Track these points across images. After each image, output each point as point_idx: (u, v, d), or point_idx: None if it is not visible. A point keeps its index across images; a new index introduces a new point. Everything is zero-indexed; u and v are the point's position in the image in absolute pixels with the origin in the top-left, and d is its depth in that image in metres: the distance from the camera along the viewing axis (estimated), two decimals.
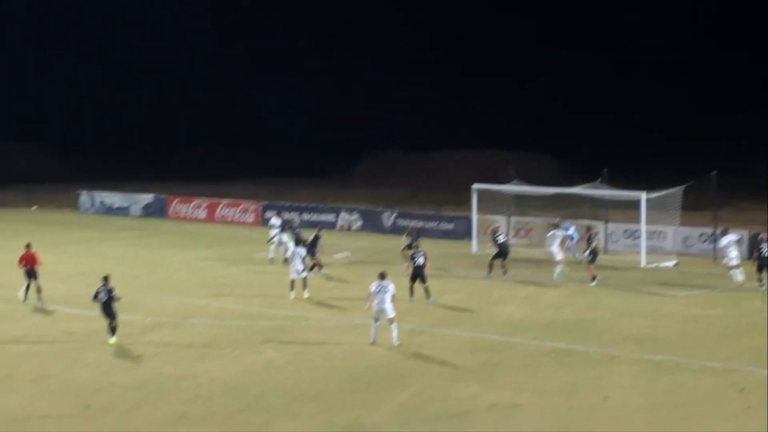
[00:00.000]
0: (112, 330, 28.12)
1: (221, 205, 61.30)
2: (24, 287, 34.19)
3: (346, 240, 51.54)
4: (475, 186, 48.54)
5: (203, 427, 20.53)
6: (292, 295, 34.56)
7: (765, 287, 35.76)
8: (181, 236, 53.69)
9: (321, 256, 40.05)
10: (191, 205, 62.53)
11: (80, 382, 23.92)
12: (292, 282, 34.79)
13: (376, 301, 27.39)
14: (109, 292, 28.14)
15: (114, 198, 66.61)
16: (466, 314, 32.22)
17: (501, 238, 39.54)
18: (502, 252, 39.06)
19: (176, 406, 22.00)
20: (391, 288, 27.58)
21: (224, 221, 60.22)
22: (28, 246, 34.95)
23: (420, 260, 34.06)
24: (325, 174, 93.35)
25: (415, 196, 71.76)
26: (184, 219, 61.72)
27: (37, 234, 50.65)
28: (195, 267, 42.52)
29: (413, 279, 33.87)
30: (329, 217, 56.42)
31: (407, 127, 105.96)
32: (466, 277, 40.04)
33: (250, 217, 59.49)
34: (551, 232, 40.41)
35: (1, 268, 40.33)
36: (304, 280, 34.93)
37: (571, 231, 44.41)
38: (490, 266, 39.10)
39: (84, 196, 67.73)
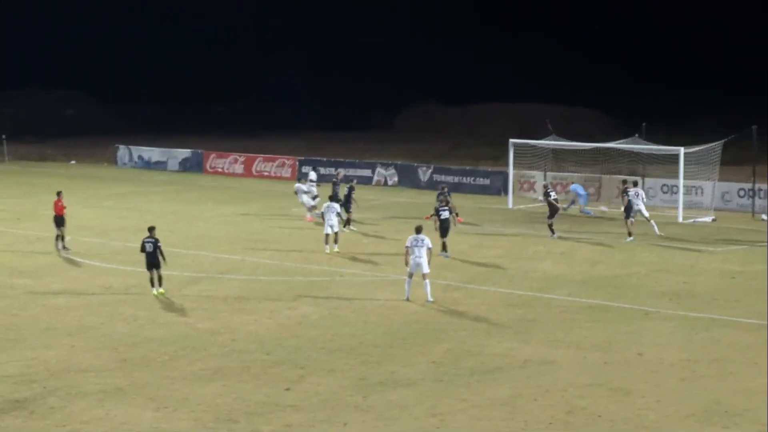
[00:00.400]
0: (159, 280, 28.45)
1: (258, 160, 61.44)
2: (54, 238, 35.05)
3: (383, 195, 51.56)
4: (512, 141, 48.34)
5: (238, 380, 20.69)
6: (327, 249, 34.68)
7: None
8: (218, 191, 53.89)
9: (355, 210, 40.16)
10: (228, 160, 62.73)
11: (117, 336, 24.16)
12: (327, 236, 34.91)
13: (412, 256, 27.40)
14: (155, 242, 28.41)
15: (152, 152, 66.95)
16: (501, 270, 32.18)
17: (553, 195, 38.59)
18: (555, 209, 38.33)
19: (212, 360, 22.19)
20: (427, 242, 27.60)
21: (261, 176, 60.36)
22: (58, 194, 35.87)
23: (445, 214, 34.00)
24: (363, 128, 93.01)
25: (454, 150, 71.50)
26: (221, 174, 61.94)
27: (75, 188, 51.14)
28: (231, 222, 42.70)
29: (443, 234, 33.84)
30: (366, 172, 56.42)
31: (447, 79, 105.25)
32: (502, 232, 39.96)
33: (287, 172, 59.59)
34: (633, 191, 38.59)
35: (42, 222, 40.75)
36: (336, 234, 35.03)
37: (581, 190, 44.32)
38: (551, 228, 38.05)
39: (122, 150, 68.11)
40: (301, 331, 24.56)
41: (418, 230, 27.94)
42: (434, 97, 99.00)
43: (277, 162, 60.71)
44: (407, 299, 27.40)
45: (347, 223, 39.54)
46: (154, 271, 28.47)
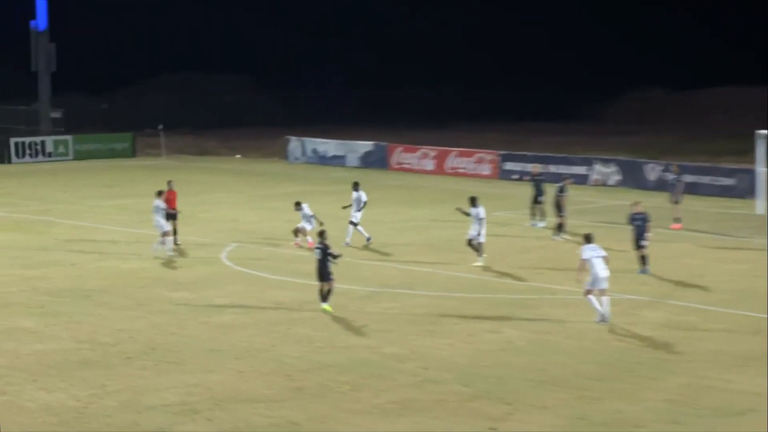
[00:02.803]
0: (327, 294, 28.77)
1: (452, 155, 61.54)
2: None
3: (600, 197, 50.97)
4: (760, 132, 47.10)
5: (431, 416, 20.68)
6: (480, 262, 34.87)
7: None
8: (405, 191, 54.23)
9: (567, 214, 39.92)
10: (417, 155, 63.03)
11: (290, 360, 24.48)
12: (471, 242, 35.01)
13: (593, 269, 27.25)
14: (325, 249, 28.70)
15: (328, 145, 67.76)
16: (749, 290, 31.28)
17: None
18: None
19: (399, 391, 22.24)
20: (602, 252, 27.71)
21: (455, 173, 60.45)
22: (169, 183, 38.72)
23: (639, 222, 33.61)
24: (564, 118, 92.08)
25: (684, 144, 70.14)
26: (409, 170, 62.27)
27: (240, 187, 52.39)
28: (420, 227, 42.86)
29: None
30: (580, 170, 55.90)
31: (669, 61, 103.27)
32: (749, 244, 38.91)
33: (486, 169, 59.55)
34: None
35: (201, 225, 41.83)
36: (480, 244, 34.76)
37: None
38: None
39: (293, 143, 69.24)
40: (504, 359, 24.43)
41: (588, 239, 28.09)
42: (655, 81, 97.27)
43: (474, 157, 60.66)
44: (603, 320, 27.05)
45: (559, 229, 39.27)
46: (324, 284, 28.79)
